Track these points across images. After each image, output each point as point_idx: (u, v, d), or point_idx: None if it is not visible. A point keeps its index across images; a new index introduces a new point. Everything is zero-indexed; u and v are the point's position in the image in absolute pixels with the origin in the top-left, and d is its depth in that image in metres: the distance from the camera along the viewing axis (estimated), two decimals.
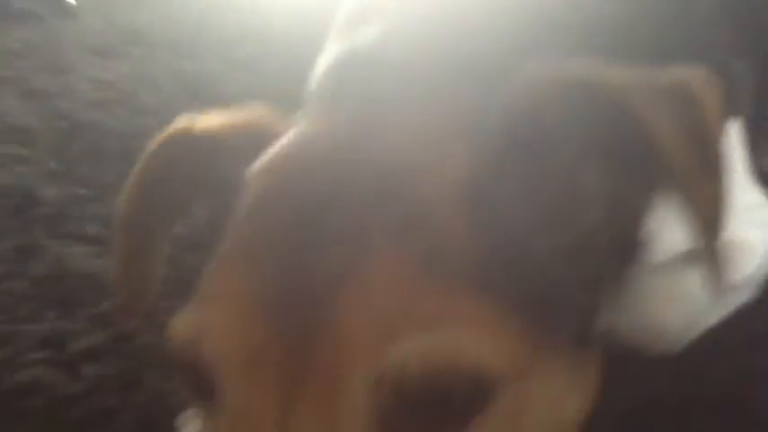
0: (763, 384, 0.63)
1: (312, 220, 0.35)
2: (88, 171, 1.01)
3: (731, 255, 0.37)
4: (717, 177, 0.36)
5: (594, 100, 0.36)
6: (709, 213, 0.36)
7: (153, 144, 0.47)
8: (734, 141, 0.64)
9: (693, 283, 0.63)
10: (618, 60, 0.37)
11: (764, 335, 0.65)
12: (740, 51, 0.63)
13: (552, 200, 0.38)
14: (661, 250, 0.60)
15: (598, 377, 0.42)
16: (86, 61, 1.56)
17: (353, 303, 0.33)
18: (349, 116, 0.41)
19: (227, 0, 2.09)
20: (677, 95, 0.35)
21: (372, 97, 0.42)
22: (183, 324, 0.38)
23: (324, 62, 0.50)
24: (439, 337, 0.34)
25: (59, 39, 1.74)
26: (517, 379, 0.35)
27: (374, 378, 0.33)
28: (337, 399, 0.33)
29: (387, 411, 0.33)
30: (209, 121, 0.47)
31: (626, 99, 0.36)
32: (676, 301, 0.64)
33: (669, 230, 0.58)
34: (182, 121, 0.47)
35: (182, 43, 1.72)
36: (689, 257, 0.64)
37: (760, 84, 0.65)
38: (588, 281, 0.39)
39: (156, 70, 1.50)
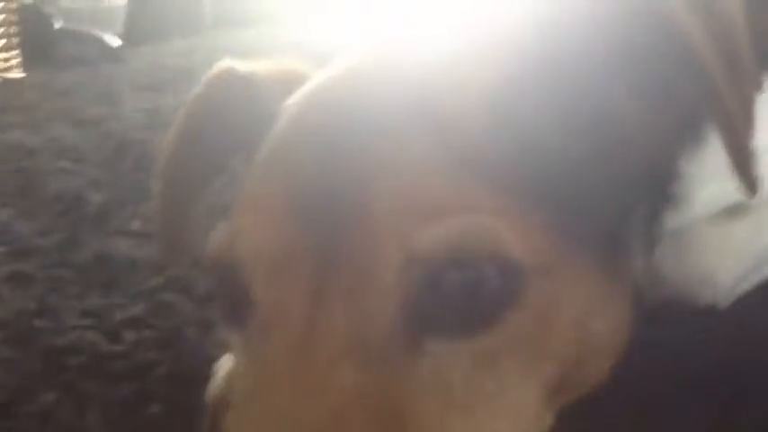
0: None
1: (345, 127, 0.36)
2: (132, 180, 1.04)
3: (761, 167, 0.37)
4: (747, 87, 0.36)
5: (623, 8, 0.37)
6: (738, 126, 0.36)
7: (200, 84, 0.49)
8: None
9: (743, 236, 0.61)
10: None
11: None
12: None
13: (579, 110, 0.39)
14: (710, 203, 0.59)
15: (632, 315, 0.41)
16: (134, 95, 1.63)
17: (384, 194, 0.34)
18: (378, 44, 0.43)
19: (277, 40, 2.16)
20: (710, 7, 0.36)
21: (399, 30, 0.44)
22: (218, 236, 0.39)
23: None
24: (466, 223, 0.34)
25: (108, 77, 1.83)
26: (544, 275, 0.35)
27: (403, 264, 0.33)
28: (366, 286, 0.34)
29: (415, 300, 0.33)
30: (253, 66, 0.48)
31: (655, 4, 0.36)
32: (725, 253, 0.62)
33: (718, 184, 0.57)
34: (225, 65, 0.48)
35: None
36: (739, 211, 0.62)
37: None
38: (620, 200, 0.39)
39: None
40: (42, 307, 0.67)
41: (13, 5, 1.84)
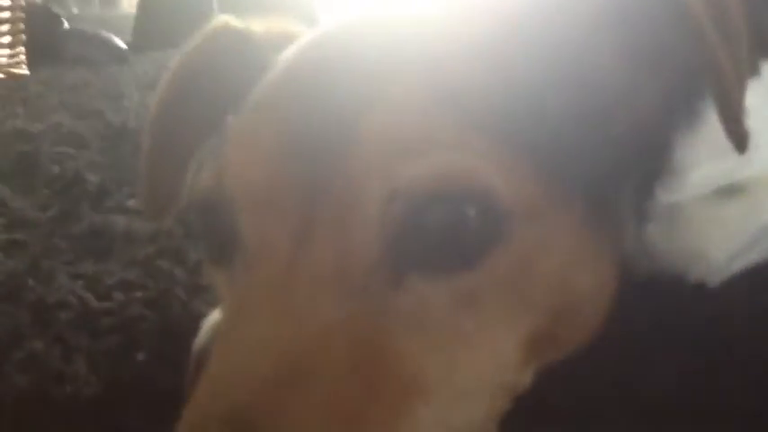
0: None
1: (335, 69, 0.37)
2: (131, 164, 1.04)
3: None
4: (740, 48, 0.36)
5: None
6: (730, 81, 0.36)
7: (195, 36, 0.49)
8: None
9: (737, 215, 0.61)
10: None
11: None
12: None
13: (567, 62, 0.39)
14: (704, 181, 0.59)
15: (618, 280, 0.41)
16: (138, 93, 1.64)
17: (370, 130, 0.35)
18: (370, 4, 0.44)
19: None
20: None
21: None
22: (206, 173, 0.39)
23: None
24: (451, 160, 0.34)
25: (114, 77, 1.85)
26: (530, 221, 0.35)
27: (386, 198, 0.33)
28: (349, 220, 0.34)
29: (398, 235, 0.34)
30: (248, 23, 0.49)
31: None
32: (718, 231, 0.62)
33: (713, 163, 0.57)
34: (221, 21, 0.49)
35: None
36: (733, 190, 0.62)
37: None
38: (609, 162, 0.40)
39: None
40: (36, 270, 0.67)
41: (21, 2, 1.86)
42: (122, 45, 2.18)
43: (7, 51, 1.87)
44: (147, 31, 2.68)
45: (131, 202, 0.88)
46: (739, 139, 0.37)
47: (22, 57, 1.95)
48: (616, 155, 0.40)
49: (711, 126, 0.43)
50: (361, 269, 0.33)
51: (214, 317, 0.53)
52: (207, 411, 0.31)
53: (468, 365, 0.34)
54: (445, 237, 0.34)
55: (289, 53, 0.41)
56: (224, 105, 0.50)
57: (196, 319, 0.53)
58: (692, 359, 0.58)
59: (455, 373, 0.34)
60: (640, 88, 0.41)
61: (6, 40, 1.86)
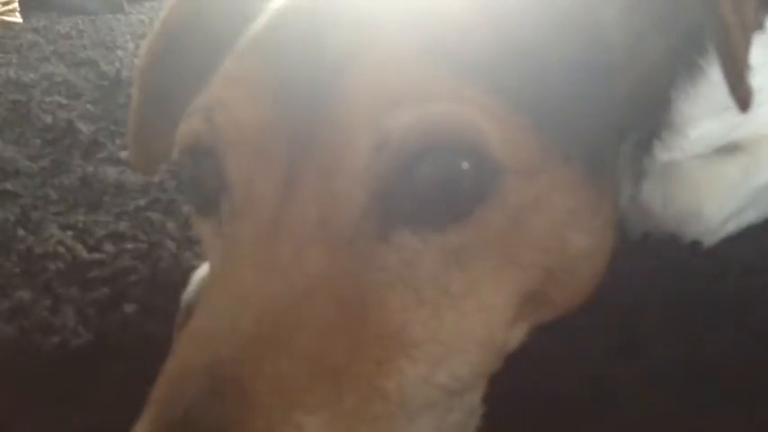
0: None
1: (329, 18, 0.36)
2: (124, 115, 1.03)
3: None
4: (746, 4, 0.35)
5: None
6: (735, 37, 0.35)
7: None
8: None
9: (734, 175, 0.60)
10: None
11: None
12: None
13: (568, 14, 0.37)
14: (703, 140, 0.58)
15: (614, 240, 0.40)
16: (132, 42, 1.61)
17: (361, 78, 0.33)
18: None
19: None
20: None
21: None
22: (193, 113, 0.38)
23: None
24: (446, 109, 0.33)
25: (108, 26, 1.81)
26: (524, 178, 0.34)
27: (375, 147, 0.32)
28: (337, 170, 0.33)
29: (386, 187, 0.33)
30: None
31: None
32: (714, 190, 0.61)
33: (713, 121, 0.56)
34: None
35: None
36: (731, 150, 0.61)
37: None
38: (608, 119, 0.39)
39: None
40: (25, 220, 0.67)
41: None
42: None
43: None
44: None
45: (124, 154, 0.87)
46: (742, 98, 0.36)
47: (16, 4, 1.91)
48: (617, 113, 0.39)
49: (712, 84, 0.42)
50: (348, 222, 0.33)
51: (203, 269, 0.52)
52: (188, 365, 0.30)
53: (455, 322, 0.34)
54: (436, 190, 0.33)
55: (280, 2, 0.40)
56: (214, 54, 0.49)
57: (186, 272, 0.53)
58: (689, 318, 0.58)
59: (442, 329, 0.33)
60: (646, 46, 0.40)
61: None
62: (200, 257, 0.54)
